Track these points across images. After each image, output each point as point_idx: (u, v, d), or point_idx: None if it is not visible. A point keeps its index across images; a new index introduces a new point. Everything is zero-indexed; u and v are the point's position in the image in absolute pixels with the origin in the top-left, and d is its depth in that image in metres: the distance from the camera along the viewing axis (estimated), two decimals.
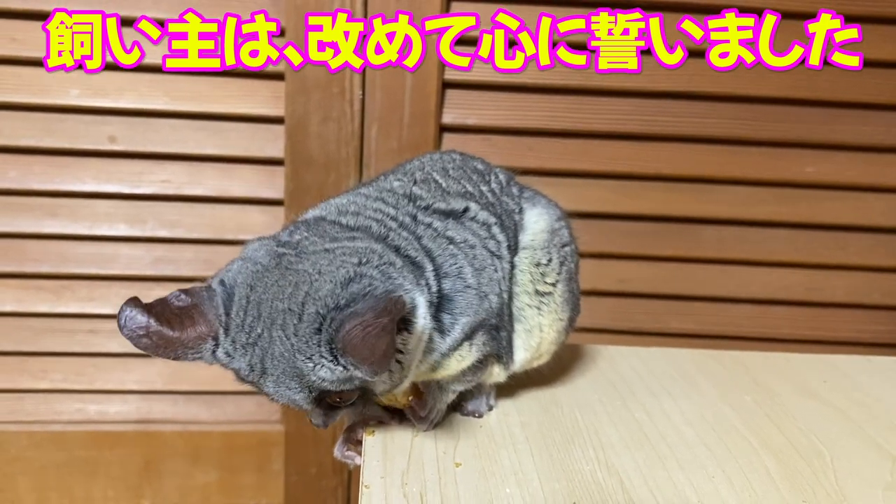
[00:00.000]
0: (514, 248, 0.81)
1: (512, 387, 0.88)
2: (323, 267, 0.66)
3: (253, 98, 1.28)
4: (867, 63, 1.27)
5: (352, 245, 0.68)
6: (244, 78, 1.27)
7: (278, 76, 1.26)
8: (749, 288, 1.39)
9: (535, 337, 0.83)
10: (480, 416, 0.82)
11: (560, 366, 0.92)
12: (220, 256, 1.34)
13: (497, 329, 0.78)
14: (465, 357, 0.75)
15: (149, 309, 0.64)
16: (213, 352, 0.66)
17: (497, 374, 0.82)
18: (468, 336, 0.74)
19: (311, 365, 0.63)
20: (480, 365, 0.78)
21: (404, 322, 0.66)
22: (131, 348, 1.45)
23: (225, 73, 1.26)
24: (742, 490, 0.73)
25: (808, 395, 0.94)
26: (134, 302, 0.64)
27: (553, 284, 0.82)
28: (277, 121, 1.29)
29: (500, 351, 0.79)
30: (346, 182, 1.31)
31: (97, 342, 1.37)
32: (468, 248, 0.75)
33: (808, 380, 0.98)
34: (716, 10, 1.23)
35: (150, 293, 1.37)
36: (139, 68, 1.25)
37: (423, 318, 0.68)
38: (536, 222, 0.85)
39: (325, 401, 0.68)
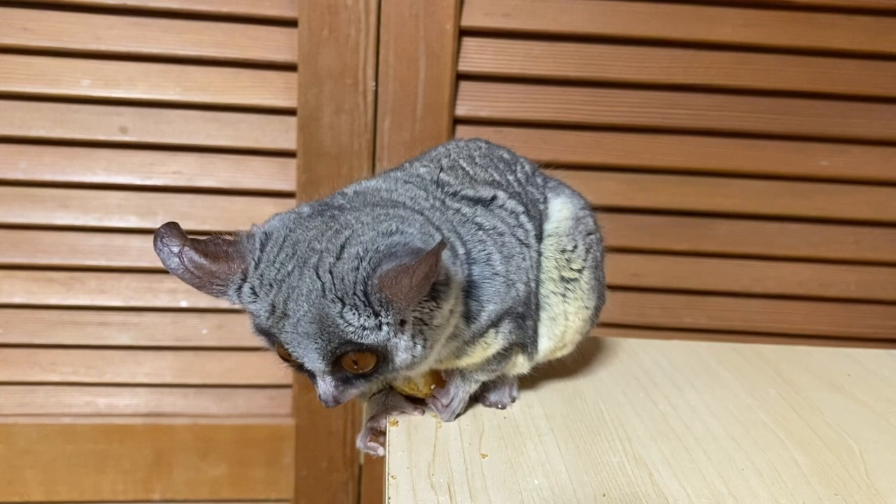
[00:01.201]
0: (539, 238, 0.79)
1: (534, 378, 0.86)
2: (366, 220, 0.66)
3: (265, 89, 1.26)
4: (883, 56, 1.25)
5: (394, 211, 0.68)
6: (257, 69, 1.25)
7: (291, 67, 1.24)
8: (763, 282, 1.37)
9: (559, 325, 0.81)
10: (504, 407, 0.80)
11: (581, 358, 0.90)
12: None
13: (523, 318, 0.76)
14: (491, 345, 0.73)
15: (186, 236, 0.65)
16: (240, 287, 0.66)
17: (521, 364, 0.80)
18: (494, 324, 0.73)
19: (338, 307, 0.62)
20: (505, 354, 0.76)
21: (434, 291, 0.64)
22: (142, 341, 1.42)
23: (237, 63, 1.24)
24: (772, 483, 0.71)
25: (833, 388, 0.92)
26: (172, 224, 0.65)
27: (579, 271, 0.81)
28: (290, 112, 1.27)
29: (526, 340, 0.77)
30: (358, 174, 1.28)
31: (107, 335, 1.34)
32: (497, 235, 0.73)
33: (831, 373, 0.96)
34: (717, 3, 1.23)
35: (160, 286, 1.36)
36: (151, 58, 1.23)
37: (455, 291, 0.67)
38: (560, 210, 0.84)
39: (341, 365, 0.65)
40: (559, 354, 0.85)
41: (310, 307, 0.62)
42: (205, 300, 1.34)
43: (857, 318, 1.38)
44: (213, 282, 0.65)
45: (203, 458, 1.39)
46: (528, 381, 0.86)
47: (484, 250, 0.72)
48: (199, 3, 1.21)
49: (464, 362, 0.74)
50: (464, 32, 1.24)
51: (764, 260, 1.36)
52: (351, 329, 0.62)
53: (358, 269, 0.62)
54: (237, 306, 0.67)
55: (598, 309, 0.85)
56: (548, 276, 0.80)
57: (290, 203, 1.30)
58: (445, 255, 0.65)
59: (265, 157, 1.30)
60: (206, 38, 1.23)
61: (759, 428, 0.80)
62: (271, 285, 0.64)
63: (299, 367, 0.66)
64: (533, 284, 0.77)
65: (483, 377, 0.78)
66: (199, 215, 1.31)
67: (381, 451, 0.77)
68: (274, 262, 0.65)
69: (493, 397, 0.80)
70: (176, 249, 0.64)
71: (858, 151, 1.31)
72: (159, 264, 1.28)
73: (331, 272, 0.62)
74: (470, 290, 0.70)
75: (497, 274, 0.72)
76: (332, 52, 1.22)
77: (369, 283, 0.61)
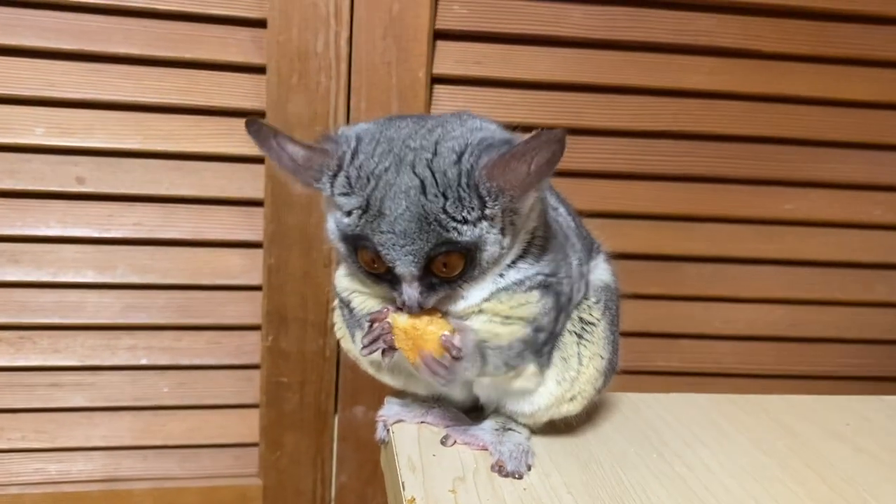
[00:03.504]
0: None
1: (546, 442, 0.80)
2: (452, 119, 0.66)
3: (232, 137, 1.17)
4: (845, 103, 1.24)
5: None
6: (222, 116, 1.16)
7: (259, 114, 1.15)
8: (733, 324, 1.33)
9: (571, 368, 0.75)
10: (520, 477, 0.73)
11: (585, 414, 0.83)
12: (195, 302, 1.22)
13: (557, 315, 0.72)
14: (529, 304, 0.69)
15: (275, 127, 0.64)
16: (334, 176, 0.63)
17: (530, 375, 0.73)
18: (542, 286, 0.69)
19: (441, 202, 0.60)
20: (527, 343, 0.70)
21: None
22: (98, 402, 1.29)
23: (202, 111, 1.15)
24: None
25: (837, 438, 0.87)
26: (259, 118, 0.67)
27: (598, 319, 0.77)
28: (257, 160, 1.18)
29: (543, 349, 0.72)
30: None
31: (60, 396, 1.22)
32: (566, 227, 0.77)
33: (830, 423, 0.92)
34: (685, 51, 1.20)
35: (119, 342, 1.24)
36: (110, 105, 1.12)
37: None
38: (602, 273, 0.83)
39: (430, 269, 0.63)
40: (566, 409, 0.77)
41: (409, 205, 0.60)
42: (166, 357, 1.23)
43: (823, 358, 1.36)
44: (309, 166, 0.63)
45: None
46: (540, 446, 0.79)
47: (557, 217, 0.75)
48: (162, 49, 1.12)
49: (493, 307, 0.68)
50: (436, 80, 1.18)
51: (733, 302, 1.33)
52: (452, 225, 0.60)
53: (460, 161, 0.61)
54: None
55: (611, 364, 0.79)
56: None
57: (256, 253, 1.21)
58: None
59: (231, 207, 1.21)
60: (170, 84, 1.14)
61: (777, 486, 0.75)
62: (368, 179, 0.61)
63: (383, 274, 0.64)
64: (575, 291, 0.75)
65: (493, 359, 0.69)
66: (160, 268, 1.20)
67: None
68: (372, 155, 0.62)
69: (509, 467, 0.72)
70: (269, 133, 0.63)
71: (822, 195, 1.29)
72: (119, 320, 1.18)
73: (430, 168, 0.61)
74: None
75: (557, 237, 0.72)
76: (301, 99, 1.14)
77: (476, 173, 0.60)
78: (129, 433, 1.25)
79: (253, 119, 0.64)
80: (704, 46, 1.21)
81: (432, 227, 0.60)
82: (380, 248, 0.61)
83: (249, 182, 1.19)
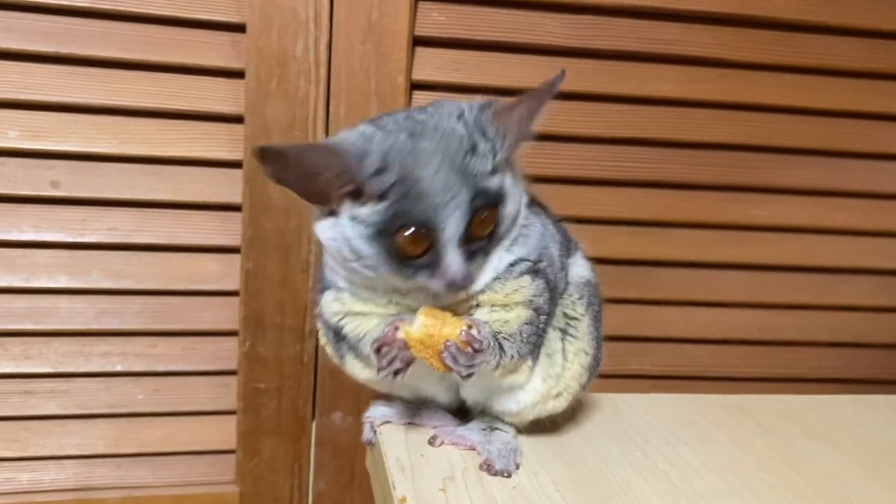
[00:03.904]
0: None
1: (531, 442, 0.80)
2: (444, 102, 0.69)
3: (209, 141, 1.16)
4: (810, 111, 1.26)
5: None
6: (200, 120, 1.15)
7: (237, 119, 1.14)
8: (706, 328, 1.34)
9: (556, 365, 0.75)
10: (509, 475, 0.72)
11: (570, 414, 0.82)
12: (170, 308, 1.20)
13: (550, 289, 0.73)
14: (524, 288, 0.70)
15: None
16: (361, 159, 0.62)
17: (524, 371, 0.73)
18: (532, 272, 0.71)
19: (462, 154, 0.62)
20: (532, 326, 0.71)
21: None
22: (72, 409, 1.26)
23: (180, 115, 1.14)
24: None
25: (814, 437, 0.89)
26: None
27: (581, 314, 0.77)
28: (236, 165, 1.16)
29: (538, 342, 0.73)
30: (307, 229, 1.18)
31: (33, 404, 1.18)
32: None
33: (805, 422, 0.93)
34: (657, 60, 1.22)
35: (93, 349, 1.21)
36: (86, 108, 1.10)
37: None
38: (581, 268, 0.83)
39: (469, 232, 0.63)
40: (552, 406, 0.77)
41: (440, 163, 0.62)
42: (141, 363, 1.20)
43: (793, 361, 1.37)
44: (340, 159, 0.62)
45: None
46: (525, 446, 0.79)
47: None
48: (140, 53, 1.11)
49: (490, 297, 0.69)
50: (415, 86, 1.18)
51: (705, 306, 1.34)
52: (481, 172, 0.63)
53: (462, 117, 0.64)
54: (344, 210, 0.65)
55: (595, 360, 0.79)
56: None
57: (234, 259, 1.19)
58: None
59: (208, 212, 1.19)
60: (147, 88, 1.12)
61: (758, 483, 0.76)
62: (396, 152, 0.62)
63: (421, 257, 0.63)
64: (559, 280, 0.76)
65: (509, 350, 0.69)
66: (136, 273, 1.18)
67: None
68: (386, 137, 0.63)
69: (498, 465, 0.72)
70: (283, 147, 0.63)
71: (791, 201, 1.31)
72: (93, 326, 1.15)
73: (437, 130, 0.63)
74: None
75: (537, 226, 0.74)
76: (280, 103, 1.13)
77: (483, 117, 0.64)
78: (103, 441, 1.22)
79: (257, 148, 0.61)
80: (674, 55, 1.22)
81: (467, 178, 0.62)
82: (425, 216, 0.61)
83: (227, 186, 1.17)
